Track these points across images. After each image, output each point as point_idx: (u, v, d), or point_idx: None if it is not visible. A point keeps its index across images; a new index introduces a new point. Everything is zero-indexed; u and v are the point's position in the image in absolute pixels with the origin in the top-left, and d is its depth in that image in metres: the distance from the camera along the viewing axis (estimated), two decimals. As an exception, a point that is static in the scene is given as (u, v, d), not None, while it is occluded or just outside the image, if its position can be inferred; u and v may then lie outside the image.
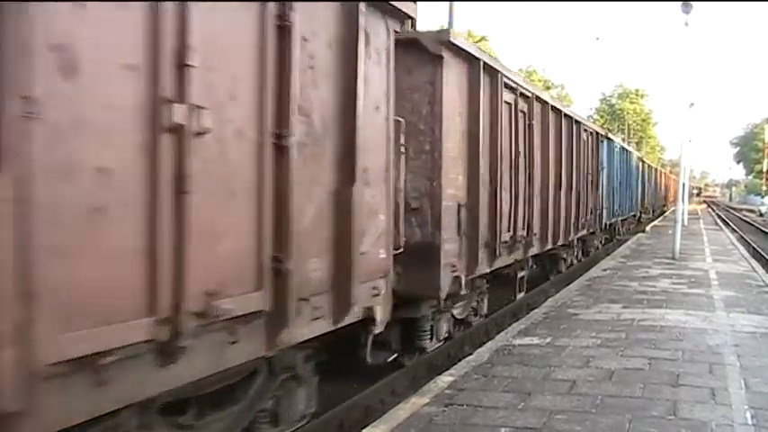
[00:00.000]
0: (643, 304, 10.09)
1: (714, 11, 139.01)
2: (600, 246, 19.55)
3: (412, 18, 5.58)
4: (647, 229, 29.19)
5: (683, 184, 21.10)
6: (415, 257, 6.27)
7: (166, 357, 3.20)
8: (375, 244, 5.11)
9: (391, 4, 5.12)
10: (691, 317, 9.07)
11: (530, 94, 10.14)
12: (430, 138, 6.82)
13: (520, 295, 10.60)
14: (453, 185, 7.18)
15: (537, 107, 10.54)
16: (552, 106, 11.67)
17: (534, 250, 10.59)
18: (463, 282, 7.27)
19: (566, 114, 12.93)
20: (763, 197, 73.48)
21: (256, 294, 3.71)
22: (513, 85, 9.25)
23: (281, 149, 3.88)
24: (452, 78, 7.18)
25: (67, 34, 2.66)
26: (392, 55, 5.33)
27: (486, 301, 9.09)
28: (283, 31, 3.88)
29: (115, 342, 2.89)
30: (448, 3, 21.78)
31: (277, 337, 3.96)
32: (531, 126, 10.11)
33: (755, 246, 24.62)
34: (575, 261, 15.74)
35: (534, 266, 11.84)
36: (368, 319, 5.01)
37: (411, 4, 5.46)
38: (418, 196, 6.74)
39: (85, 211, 2.78)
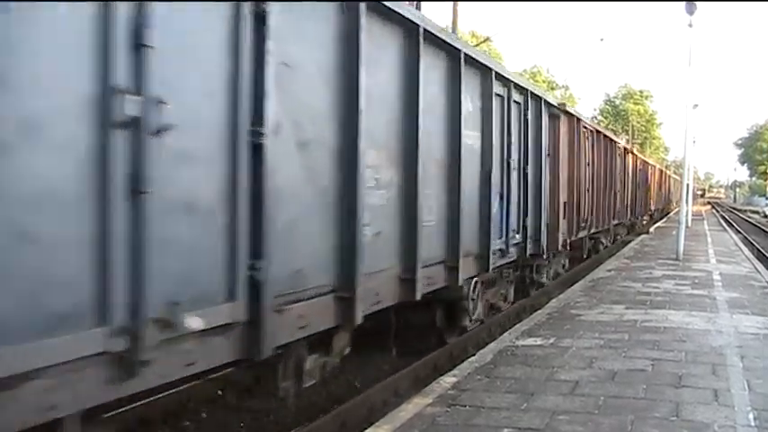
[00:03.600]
0: (646, 305, 10.09)
1: (718, 12, 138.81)
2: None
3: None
4: (651, 230, 29.17)
5: (687, 186, 21.05)
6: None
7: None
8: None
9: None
10: (694, 318, 9.07)
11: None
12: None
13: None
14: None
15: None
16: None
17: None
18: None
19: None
20: (767, 198, 73.29)
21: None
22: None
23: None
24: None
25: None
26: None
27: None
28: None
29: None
30: (452, 3, 21.83)
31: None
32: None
33: (759, 247, 24.59)
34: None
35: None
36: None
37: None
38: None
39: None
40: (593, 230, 15.73)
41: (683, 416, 5.18)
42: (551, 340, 7.73)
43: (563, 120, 12.09)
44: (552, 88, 57.51)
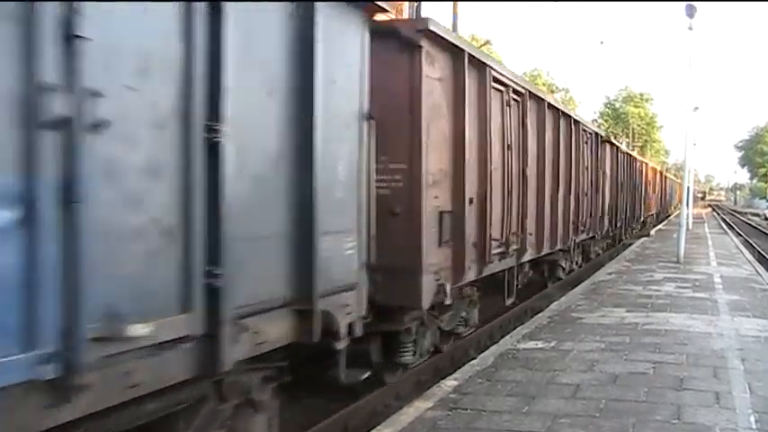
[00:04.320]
0: (647, 308, 10.09)
1: (719, 14, 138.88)
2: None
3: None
4: (652, 232, 29.17)
5: (688, 188, 21.04)
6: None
7: None
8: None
9: None
10: (695, 321, 9.07)
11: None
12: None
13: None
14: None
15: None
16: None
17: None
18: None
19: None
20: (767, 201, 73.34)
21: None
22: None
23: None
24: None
25: None
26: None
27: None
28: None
29: None
30: (452, 4, 21.79)
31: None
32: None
33: (760, 249, 24.59)
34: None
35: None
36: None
37: None
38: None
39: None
40: (530, 256, 9.91)
41: (685, 419, 5.18)
42: (552, 343, 7.73)
43: (431, 55, 6.37)
44: (552, 91, 57.55)
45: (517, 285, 9.83)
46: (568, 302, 10.66)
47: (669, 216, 46.81)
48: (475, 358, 7.27)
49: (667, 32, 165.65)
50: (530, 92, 9.75)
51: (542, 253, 10.69)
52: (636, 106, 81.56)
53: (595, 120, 71.93)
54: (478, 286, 8.22)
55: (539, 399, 5.67)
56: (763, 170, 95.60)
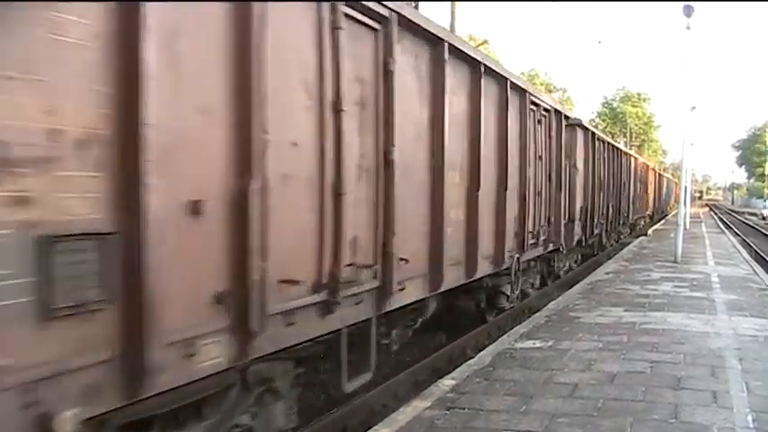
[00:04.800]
0: (645, 308, 10.09)
1: (716, 14, 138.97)
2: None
3: None
4: (650, 232, 29.19)
5: (685, 188, 21.05)
6: None
7: None
8: None
9: None
10: (692, 320, 9.07)
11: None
12: None
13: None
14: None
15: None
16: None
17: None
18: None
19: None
20: (765, 200, 73.48)
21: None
22: None
23: None
24: None
25: None
26: None
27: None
28: None
29: None
30: (450, 4, 21.76)
31: None
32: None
33: (757, 249, 24.61)
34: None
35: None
36: None
37: None
38: None
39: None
40: (416, 296, 6.13)
41: (682, 418, 5.18)
42: (550, 343, 7.72)
43: None
44: (550, 90, 57.59)
45: (390, 344, 6.32)
46: (566, 302, 10.66)
47: (666, 216, 46.86)
48: (472, 357, 7.27)
49: (665, 32, 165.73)
50: (402, 17, 5.52)
51: (443, 288, 6.63)
52: (633, 106, 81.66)
53: (593, 119, 71.98)
54: (300, 358, 4.65)
55: (536, 398, 5.67)
56: (760, 170, 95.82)
